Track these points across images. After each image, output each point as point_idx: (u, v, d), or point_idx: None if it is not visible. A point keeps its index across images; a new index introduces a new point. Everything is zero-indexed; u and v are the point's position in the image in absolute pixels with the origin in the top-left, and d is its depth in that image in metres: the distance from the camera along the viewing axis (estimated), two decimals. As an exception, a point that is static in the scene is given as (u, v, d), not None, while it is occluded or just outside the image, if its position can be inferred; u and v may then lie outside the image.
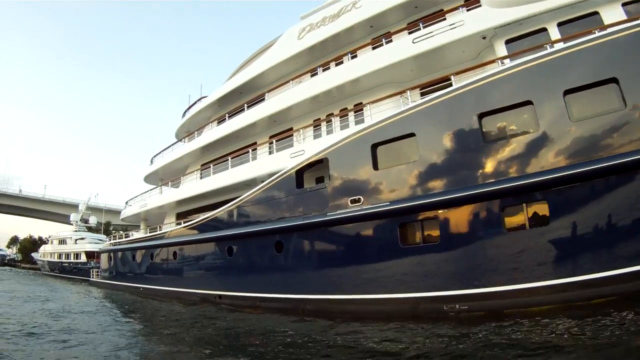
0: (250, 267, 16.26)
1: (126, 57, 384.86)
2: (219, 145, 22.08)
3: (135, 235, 30.17)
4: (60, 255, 55.17)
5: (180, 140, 27.16)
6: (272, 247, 15.11)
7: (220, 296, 17.24)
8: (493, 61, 12.40)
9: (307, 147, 15.67)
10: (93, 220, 60.47)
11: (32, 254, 72.85)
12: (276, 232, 15.08)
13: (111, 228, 71.01)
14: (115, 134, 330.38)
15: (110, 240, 34.21)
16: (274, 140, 18.03)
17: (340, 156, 13.80)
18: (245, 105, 20.12)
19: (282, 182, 15.45)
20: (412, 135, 12.12)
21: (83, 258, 49.40)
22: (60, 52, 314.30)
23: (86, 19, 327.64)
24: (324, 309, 13.14)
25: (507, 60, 11.86)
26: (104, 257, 33.63)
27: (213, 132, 21.96)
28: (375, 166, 12.79)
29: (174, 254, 20.88)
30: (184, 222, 21.20)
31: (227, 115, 21.20)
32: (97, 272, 36.54)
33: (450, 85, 12.45)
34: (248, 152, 19.09)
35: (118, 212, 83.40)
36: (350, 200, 13.03)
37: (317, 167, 15.29)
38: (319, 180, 15.90)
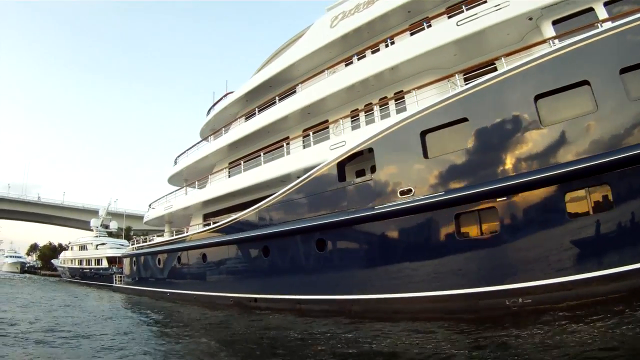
0: (288, 268, 15.74)
1: (143, 63, 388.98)
2: (247, 141, 21.69)
3: (158, 239, 30.23)
4: (81, 262, 55.62)
5: (205, 139, 26.87)
6: (314, 245, 14.56)
7: (255, 299, 16.77)
8: (542, 42, 11.96)
9: (348, 138, 15.16)
10: (114, 225, 60.77)
11: (52, 261, 73.64)
12: (317, 229, 14.51)
13: (131, 233, 71.51)
14: (134, 140, 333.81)
15: (132, 245, 34.22)
16: (310, 133, 17.51)
17: (387, 145, 13.25)
18: (277, 97, 19.66)
19: (321, 176, 14.92)
20: (464, 120, 11.64)
21: (104, 263, 49.72)
22: (70, 58, 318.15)
23: (91, 25, 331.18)
24: (373, 309, 12.57)
25: (556, 41, 11.43)
26: (126, 262, 33.61)
27: (241, 128, 21.59)
28: (426, 154, 12.26)
29: (203, 256, 20.51)
30: (213, 223, 20.81)
31: (256, 109, 20.76)
32: (120, 277, 36.73)
33: (495, 69, 12.12)
34: (280, 147, 18.72)
35: (138, 217, 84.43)
36: (400, 192, 12.48)
37: (357, 160, 14.89)
38: (359, 173, 15.43)
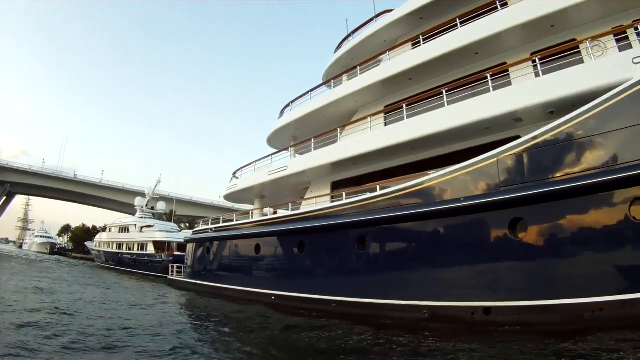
0: (571, 257, 9.35)
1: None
2: (427, 72, 15.31)
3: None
4: (120, 245, 50.67)
5: (327, 82, 20.69)
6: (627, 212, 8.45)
7: (489, 309, 10.20)
8: None
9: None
10: (162, 206, 55.81)
11: (86, 243, 69.88)
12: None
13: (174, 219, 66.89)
14: (176, 125, 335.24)
15: (199, 226, 27.78)
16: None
17: None
18: (498, 3, 13.47)
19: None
20: None
21: (150, 249, 44.28)
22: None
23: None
24: None
25: None
26: (191, 249, 26.96)
27: (425, 50, 15.05)
28: None
29: (359, 241, 13.74)
30: (382, 189, 14.18)
31: (457, 20, 14.34)
32: (179, 268, 30.11)
33: None
34: (495, 76, 12.78)
35: (183, 202, 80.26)
36: None
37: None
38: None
